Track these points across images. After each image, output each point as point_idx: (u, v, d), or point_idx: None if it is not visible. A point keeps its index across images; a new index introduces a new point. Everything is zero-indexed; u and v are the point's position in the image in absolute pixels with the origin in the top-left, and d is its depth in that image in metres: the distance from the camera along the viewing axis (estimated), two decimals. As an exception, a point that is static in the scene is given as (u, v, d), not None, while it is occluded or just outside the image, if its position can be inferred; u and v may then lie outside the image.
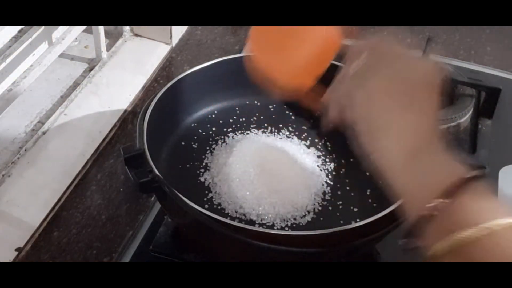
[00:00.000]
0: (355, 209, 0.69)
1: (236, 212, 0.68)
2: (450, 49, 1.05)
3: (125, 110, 0.89)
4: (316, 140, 0.78)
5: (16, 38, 0.80)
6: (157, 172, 0.60)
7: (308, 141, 0.78)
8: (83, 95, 0.91)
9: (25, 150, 0.81)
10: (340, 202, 0.70)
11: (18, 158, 0.80)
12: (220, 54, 1.01)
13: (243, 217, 0.67)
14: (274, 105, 0.82)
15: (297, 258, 0.59)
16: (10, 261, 0.69)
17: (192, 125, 0.78)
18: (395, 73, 0.52)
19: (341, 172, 0.74)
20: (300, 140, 0.78)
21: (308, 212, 0.69)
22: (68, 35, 0.88)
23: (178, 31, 1.04)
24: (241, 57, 0.87)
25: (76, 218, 0.74)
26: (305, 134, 0.79)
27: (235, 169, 0.72)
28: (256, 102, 0.82)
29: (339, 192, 0.72)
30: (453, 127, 0.85)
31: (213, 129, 0.78)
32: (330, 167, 0.75)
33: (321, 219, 0.68)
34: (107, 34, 0.98)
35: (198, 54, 1.01)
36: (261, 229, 0.61)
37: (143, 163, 0.61)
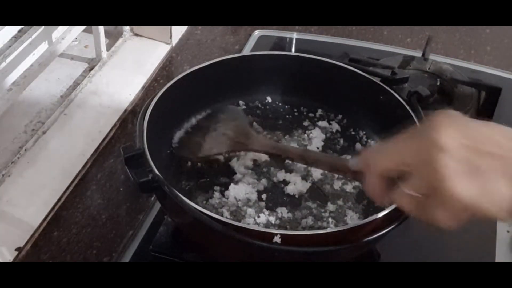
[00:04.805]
0: (355, 209, 0.69)
1: (236, 212, 0.68)
2: (450, 49, 1.05)
3: (125, 110, 0.89)
4: (316, 140, 0.78)
5: (16, 38, 0.80)
6: (157, 172, 0.60)
7: (309, 141, 0.78)
8: (83, 95, 0.91)
9: (25, 150, 0.81)
10: (341, 202, 0.70)
11: (18, 158, 0.80)
12: (220, 54, 1.01)
13: (243, 217, 0.67)
14: (274, 105, 0.82)
15: (297, 258, 0.59)
16: (10, 261, 0.69)
17: (192, 125, 0.78)
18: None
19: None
20: (300, 139, 0.78)
21: (308, 212, 0.69)
22: (68, 35, 0.88)
23: (178, 31, 1.04)
24: (241, 57, 0.87)
25: (76, 218, 0.74)
26: (305, 133, 0.79)
27: (234, 168, 0.72)
28: (256, 102, 0.82)
29: (339, 192, 0.72)
30: (453, 127, 0.85)
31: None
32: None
33: (322, 219, 0.68)
34: (107, 34, 0.98)
35: (198, 54, 1.01)
36: (261, 229, 0.61)
37: (143, 163, 0.61)
